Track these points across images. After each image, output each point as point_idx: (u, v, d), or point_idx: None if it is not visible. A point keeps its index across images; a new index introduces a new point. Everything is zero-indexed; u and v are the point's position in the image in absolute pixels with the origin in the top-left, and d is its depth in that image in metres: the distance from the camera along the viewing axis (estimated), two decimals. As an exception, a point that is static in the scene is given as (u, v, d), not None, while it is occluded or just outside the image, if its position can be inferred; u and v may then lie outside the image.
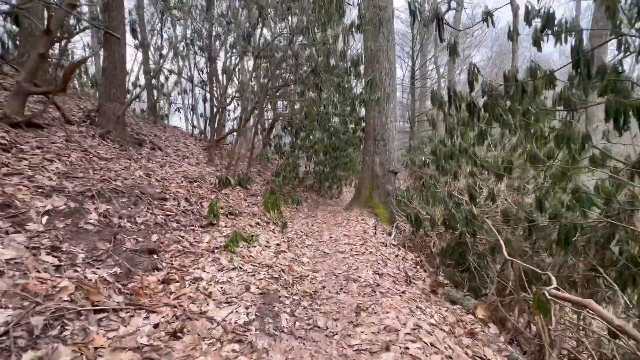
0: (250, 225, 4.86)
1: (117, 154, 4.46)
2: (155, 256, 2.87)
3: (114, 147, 4.64)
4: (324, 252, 4.71)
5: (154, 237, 3.08)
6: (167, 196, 4.03)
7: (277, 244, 4.54)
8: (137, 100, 9.22)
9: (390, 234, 6.11)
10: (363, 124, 9.56)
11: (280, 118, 8.14)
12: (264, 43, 5.60)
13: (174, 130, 9.27)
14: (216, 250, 3.45)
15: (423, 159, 6.42)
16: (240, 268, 3.30)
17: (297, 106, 7.69)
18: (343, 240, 5.26)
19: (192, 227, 3.71)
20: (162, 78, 9.17)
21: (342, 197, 11.60)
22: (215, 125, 7.47)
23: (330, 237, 5.45)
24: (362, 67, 7.51)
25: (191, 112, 8.95)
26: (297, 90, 6.98)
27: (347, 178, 12.28)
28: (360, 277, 3.72)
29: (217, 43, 6.61)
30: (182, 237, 3.42)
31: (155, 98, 8.62)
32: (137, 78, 7.97)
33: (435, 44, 14.01)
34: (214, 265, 3.16)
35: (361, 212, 7.42)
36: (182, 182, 4.76)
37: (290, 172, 7.73)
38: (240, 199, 5.72)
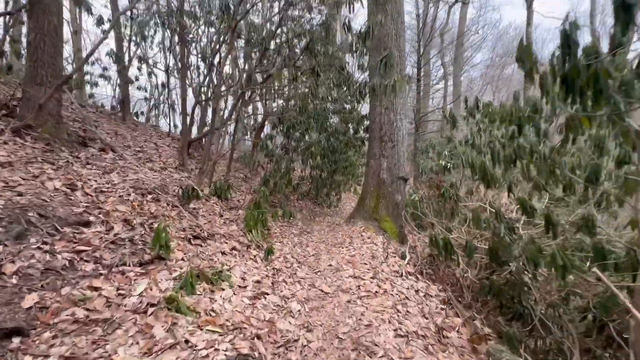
0: (223, 253, 3.57)
1: (31, 156, 3.15)
2: (17, 342, 1.57)
3: (32, 147, 3.34)
4: (322, 290, 3.42)
5: (30, 300, 1.78)
6: (92, 218, 2.73)
7: (257, 281, 3.25)
8: (113, 95, 7.95)
9: (403, 257, 4.84)
10: (366, 123, 8.32)
11: (271, 116, 6.86)
12: (243, 11, 4.34)
13: (151, 129, 7.98)
14: (152, 309, 2.15)
15: (442, 163, 5.17)
16: (187, 341, 2.01)
17: (291, 102, 6.44)
18: (347, 269, 3.97)
19: (120, 269, 2.41)
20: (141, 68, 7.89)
21: (342, 205, 10.31)
22: (197, 124, 6.17)
23: (330, 265, 4.15)
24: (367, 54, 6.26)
25: (169, 109, 7.68)
26: (289, 77, 5.72)
27: (347, 184, 11.04)
28: (376, 343, 2.43)
29: (190, 21, 5.35)
30: (96, 289, 2.12)
31: (123, 90, 7.32)
32: (79, 54, 6.63)
33: (442, 39, 12.86)
34: (137, 342, 1.87)
35: (365, 226, 6.14)
36: (128, 195, 3.45)
37: (282, 178, 6.46)
38: (214, 214, 4.42)
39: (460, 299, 4.11)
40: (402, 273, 4.19)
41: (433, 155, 8.56)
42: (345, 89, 6.92)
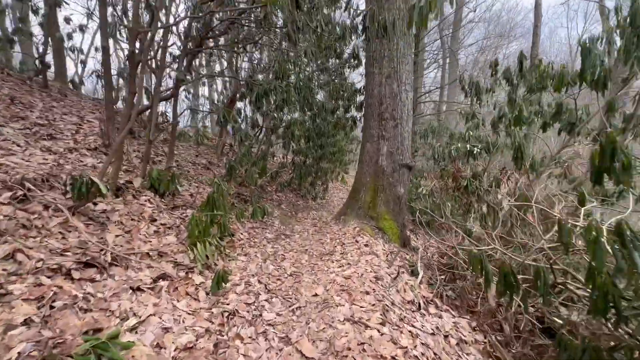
0: (136, 290, 2.10)
1: None
2: None
3: None
4: (302, 353, 2.02)
5: None
6: None
7: (188, 347, 1.83)
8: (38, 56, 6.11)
9: (414, 273, 3.51)
10: (360, 98, 6.85)
11: (235, 79, 5.23)
12: None
13: (90, 101, 6.24)
14: None
15: (467, 147, 3.81)
16: None
17: (265, 63, 4.88)
18: (340, 304, 2.57)
19: None
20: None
21: (329, 197, 8.92)
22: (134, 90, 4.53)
23: (315, 295, 2.75)
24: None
25: (100, 74, 5.95)
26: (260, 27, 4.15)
27: (333, 172, 9.65)
28: None
29: None
30: None
31: (55, 50, 5.55)
32: None
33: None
34: None
35: (360, 227, 4.77)
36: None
37: (254, 165, 4.98)
38: (141, 219, 2.91)
39: (498, 335, 2.83)
40: (419, 303, 2.86)
41: (432, 141, 7.23)
42: (333, 53, 5.40)
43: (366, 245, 3.97)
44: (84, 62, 6.17)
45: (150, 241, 2.68)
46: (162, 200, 3.43)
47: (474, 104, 4.59)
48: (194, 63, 4.94)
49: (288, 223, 5.22)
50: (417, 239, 5.53)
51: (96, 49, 5.80)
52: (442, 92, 12.07)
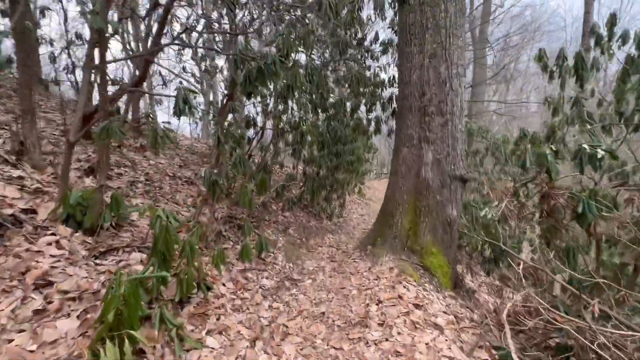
0: None
1: None
2: None
3: None
4: None
5: None
6: None
7: None
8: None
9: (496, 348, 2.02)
10: (387, 92, 5.45)
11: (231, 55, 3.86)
12: None
13: (46, 99, 5.05)
14: None
15: (585, 148, 2.32)
16: None
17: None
18: None
19: None
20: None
21: (346, 213, 7.46)
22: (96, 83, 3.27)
23: None
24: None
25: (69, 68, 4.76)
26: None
27: (350, 183, 8.21)
28: None
29: None
30: None
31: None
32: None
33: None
34: None
35: (398, 265, 3.30)
36: None
37: (251, 178, 3.62)
38: (19, 285, 1.55)
39: None
40: None
41: (491, 145, 5.73)
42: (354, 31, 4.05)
43: (417, 307, 2.49)
44: (54, 55, 5.04)
45: (11, 339, 1.30)
46: (88, 239, 2.08)
47: (564, 90, 3.13)
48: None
49: (296, 257, 3.79)
50: (473, 278, 4.00)
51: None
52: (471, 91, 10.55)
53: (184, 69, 7.18)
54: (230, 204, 4.02)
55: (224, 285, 2.55)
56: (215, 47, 4.37)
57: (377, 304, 2.55)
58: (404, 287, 2.84)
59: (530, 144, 3.65)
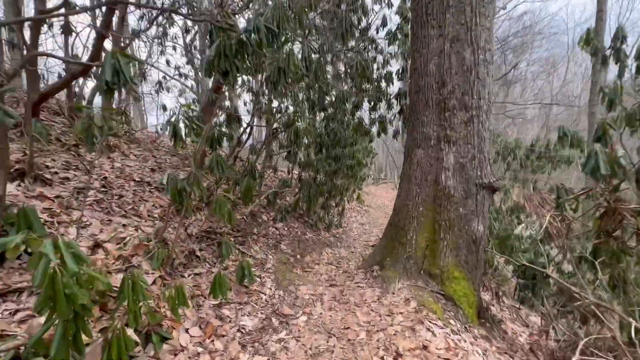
0: None
1: None
2: None
3: None
4: None
5: None
6: None
7: None
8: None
9: None
10: (395, 88, 4.83)
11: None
12: None
13: None
14: None
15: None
16: None
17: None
18: None
19: None
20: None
21: (346, 222, 6.78)
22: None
23: None
24: None
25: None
26: None
27: (349, 189, 7.58)
28: None
29: None
30: None
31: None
32: None
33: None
34: None
35: (415, 295, 2.63)
36: None
37: (235, 184, 2.94)
38: None
39: None
40: None
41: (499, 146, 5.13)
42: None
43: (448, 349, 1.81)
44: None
45: None
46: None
47: (622, 78, 2.52)
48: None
49: (288, 281, 3.10)
50: (500, 306, 3.33)
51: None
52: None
53: (167, 62, 6.48)
54: (210, 215, 3.33)
55: (187, 331, 1.86)
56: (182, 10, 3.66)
57: (395, 356, 1.87)
58: (427, 328, 2.16)
59: (574, 146, 3.02)
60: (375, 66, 4.58)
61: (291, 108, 4.05)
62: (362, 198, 10.48)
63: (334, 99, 4.81)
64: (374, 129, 6.00)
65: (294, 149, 4.03)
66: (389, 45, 4.22)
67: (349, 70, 3.59)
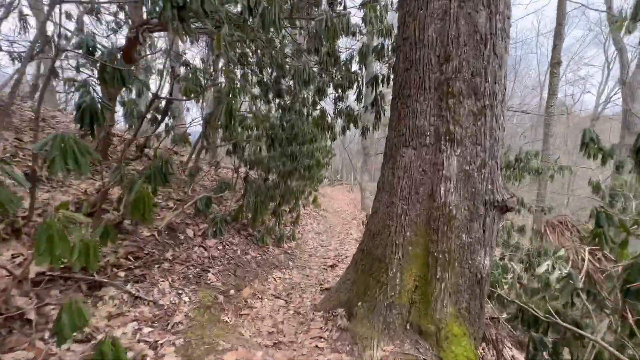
0: None
1: None
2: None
3: None
4: None
5: None
6: None
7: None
8: None
9: None
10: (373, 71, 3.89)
11: None
12: None
13: None
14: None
15: None
16: None
17: None
18: None
19: None
20: None
21: (299, 232, 5.74)
22: None
23: None
24: None
25: None
26: None
27: (304, 192, 6.60)
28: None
29: None
30: None
31: None
32: None
33: None
34: None
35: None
36: None
37: (125, 193, 1.76)
38: None
39: None
40: None
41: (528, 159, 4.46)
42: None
43: None
44: None
45: None
46: None
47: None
48: None
49: (207, 348, 1.95)
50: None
51: None
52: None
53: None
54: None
55: None
56: None
57: None
58: None
59: (604, 155, 2.31)
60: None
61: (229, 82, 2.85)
62: (319, 202, 9.54)
63: (291, 81, 3.74)
64: (338, 124, 5.05)
65: (230, 131, 2.85)
66: (360, 8, 3.23)
67: (314, 33, 2.53)
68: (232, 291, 2.72)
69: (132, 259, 2.31)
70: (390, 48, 3.42)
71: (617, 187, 4.02)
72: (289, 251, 4.45)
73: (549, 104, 7.90)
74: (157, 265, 2.43)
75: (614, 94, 16.29)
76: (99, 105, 1.85)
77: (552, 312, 1.89)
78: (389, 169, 2.36)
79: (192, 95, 2.45)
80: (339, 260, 4.38)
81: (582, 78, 23.87)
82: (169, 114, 3.25)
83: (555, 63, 7.99)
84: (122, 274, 2.15)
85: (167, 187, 3.63)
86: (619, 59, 9.63)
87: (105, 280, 1.97)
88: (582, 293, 1.76)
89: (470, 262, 2.05)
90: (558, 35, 7.94)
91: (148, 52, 3.91)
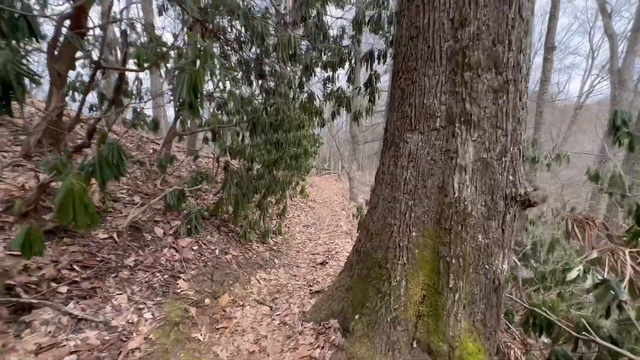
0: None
1: None
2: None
3: None
4: None
5: None
6: None
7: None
8: None
9: None
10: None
11: None
12: None
13: None
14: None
15: None
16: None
17: None
18: None
19: None
20: None
21: (286, 227, 5.36)
22: None
23: None
24: None
25: None
26: None
27: (291, 183, 6.20)
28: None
29: None
30: None
31: None
32: None
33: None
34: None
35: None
36: None
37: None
38: None
39: None
40: None
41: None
42: None
43: None
44: None
45: None
46: None
47: None
48: None
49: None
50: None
51: None
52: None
53: None
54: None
55: None
56: None
57: None
58: None
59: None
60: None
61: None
62: (307, 192, 9.16)
63: (275, 56, 3.28)
64: (327, 110, 4.64)
65: (196, 115, 2.41)
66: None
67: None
68: (207, 300, 2.33)
69: (79, 269, 1.88)
70: (386, 20, 3.00)
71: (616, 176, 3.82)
72: (274, 247, 4.08)
73: (542, 90, 7.69)
74: (113, 275, 2.01)
75: (598, 83, 16.42)
76: (18, 74, 1.39)
77: (565, 318, 1.61)
78: (391, 158, 1.99)
79: (146, 65, 1.99)
80: (329, 256, 4.05)
81: (568, 67, 24.01)
82: (122, 89, 2.74)
83: (549, 48, 7.75)
84: (63, 289, 1.72)
85: (136, 179, 3.15)
86: (609, 45, 9.51)
87: (36, 300, 1.55)
88: (625, 305, 1.48)
89: (487, 267, 1.73)
90: (552, 19, 7.66)
91: (101, 22, 3.34)
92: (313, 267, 3.66)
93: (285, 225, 5.26)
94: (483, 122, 1.72)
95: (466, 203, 1.71)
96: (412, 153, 1.86)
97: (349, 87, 3.74)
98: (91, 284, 1.84)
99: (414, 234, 1.80)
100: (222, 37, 3.74)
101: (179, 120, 3.67)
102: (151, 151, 4.40)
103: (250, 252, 3.54)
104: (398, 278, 1.78)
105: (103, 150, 1.72)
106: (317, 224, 6.27)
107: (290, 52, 2.38)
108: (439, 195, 1.77)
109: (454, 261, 1.69)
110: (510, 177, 1.74)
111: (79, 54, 2.84)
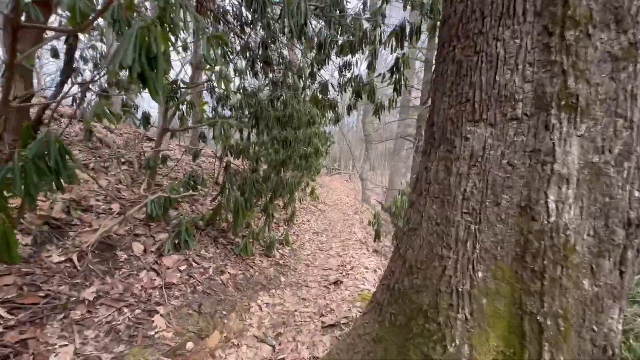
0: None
1: None
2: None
3: None
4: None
5: None
6: None
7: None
8: None
9: None
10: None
11: None
12: None
13: None
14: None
15: None
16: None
17: None
18: None
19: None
20: None
21: (294, 235, 4.80)
22: None
23: None
24: None
25: None
26: None
27: (300, 184, 5.65)
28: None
29: None
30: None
31: None
32: None
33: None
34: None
35: None
36: None
37: None
38: None
39: None
40: None
41: None
42: None
43: None
44: None
45: None
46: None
47: None
48: None
49: None
50: None
51: None
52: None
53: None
54: None
55: None
56: None
57: None
58: None
59: None
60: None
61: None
62: (317, 193, 8.60)
63: (278, 25, 2.72)
64: (341, 103, 4.07)
65: (157, 88, 1.87)
66: None
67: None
68: (189, 344, 1.79)
69: (5, 312, 1.36)
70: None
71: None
72: (280, 261, 3.52)
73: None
74: (59, 316, 1.48)
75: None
76: None
77: None
78: (440, 161, 1.40)
79: (81, 23, 1.45)
80: (344, 272, 3.47)
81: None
82: (72, 65, 2.15)
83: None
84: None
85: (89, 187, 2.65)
86: None
87: None
88: None
89: (595, 328, 1.13)
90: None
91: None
92: (325, 287, 3.09)
93: (294, 232, 4.71)
94: (594, 108, 1.11)
95: (568, 232, 1.10)
96: (475, 154, 1.26)
97: (368, 74, 3.15)
98: (20, 334, 1.32)
99: (480, 274, 1.21)
100: (221, 18, 3.21)
101: (169, 113, 3.15)
102: (142, 150, 3.90)
103: (251, 269, 3.00)
104: (457, 341, 1.19)
105: (30, 150, 1.19)
106: (329, 230, 5.70)
107: (300, 21, 1.82)
108: (521, 219, 1.17)
109: (549, 321, 1.10)
110: (636, 194, 1.12)
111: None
